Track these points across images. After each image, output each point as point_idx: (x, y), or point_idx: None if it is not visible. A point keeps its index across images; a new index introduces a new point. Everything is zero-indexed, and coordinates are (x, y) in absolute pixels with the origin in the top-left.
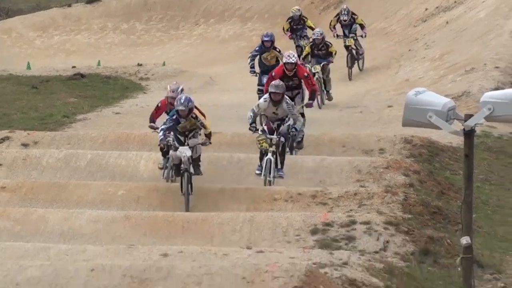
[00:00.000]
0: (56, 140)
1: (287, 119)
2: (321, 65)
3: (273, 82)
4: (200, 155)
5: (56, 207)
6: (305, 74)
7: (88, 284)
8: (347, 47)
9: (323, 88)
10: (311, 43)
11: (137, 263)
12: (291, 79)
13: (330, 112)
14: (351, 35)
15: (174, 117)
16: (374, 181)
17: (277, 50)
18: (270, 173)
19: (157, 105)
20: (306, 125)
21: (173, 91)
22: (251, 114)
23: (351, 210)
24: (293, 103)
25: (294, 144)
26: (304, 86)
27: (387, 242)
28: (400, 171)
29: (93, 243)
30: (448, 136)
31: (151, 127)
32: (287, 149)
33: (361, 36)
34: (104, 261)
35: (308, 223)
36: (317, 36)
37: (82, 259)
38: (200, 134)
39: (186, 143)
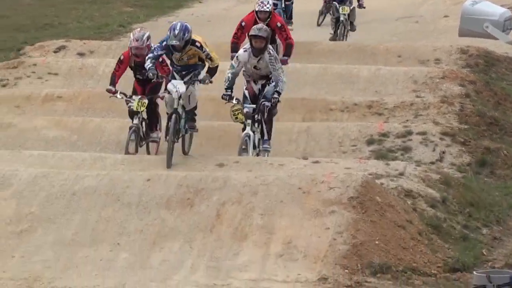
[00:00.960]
0: (112, 50)
1: (272, 78)
2: (351, 7)
3: (255, 26)
4: (196, 106)
5: (112, 116)
6: (278, 24)
7: (143, 193)
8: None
9: (348, 28)
10: None
11: (193, 173)
12: None
13: (385, 22)
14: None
15: (164, 43)
16: (430, 92)
17: None
18: (248, 151)
19: (119, 59)
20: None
21: (136, 40)
22: (230, 74)
23: (407, 120)
24: (276, 54)
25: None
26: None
27: (443, 152)
28: (456, 82)
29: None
30: (505, 46)
31: (109, 91)
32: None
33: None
34: (159, 171)
35: (364, 134)
36: None
37: (138, 169)
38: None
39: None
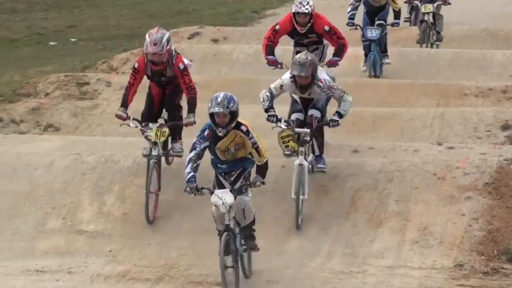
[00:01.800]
0: (246, 36)
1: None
2: (435, 5)
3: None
4: (253, 219)
5: (247, 102)
6: (326, 28)
7: (278, 180)
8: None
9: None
10: None
11: (328, 159)
12: (305, 36)
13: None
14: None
15: (206, 133)
16: None
17: None
18: (304, 186)
19: (134, 67)
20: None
21: (154, 44)
22: (267, 94)
23: None
24: (330, 81)
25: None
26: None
27: None
28: None
29: None
30: None
31: (119, 117)
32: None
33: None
34: (294, 158)
35: (499, 119)
36: None
37: (272, 155)
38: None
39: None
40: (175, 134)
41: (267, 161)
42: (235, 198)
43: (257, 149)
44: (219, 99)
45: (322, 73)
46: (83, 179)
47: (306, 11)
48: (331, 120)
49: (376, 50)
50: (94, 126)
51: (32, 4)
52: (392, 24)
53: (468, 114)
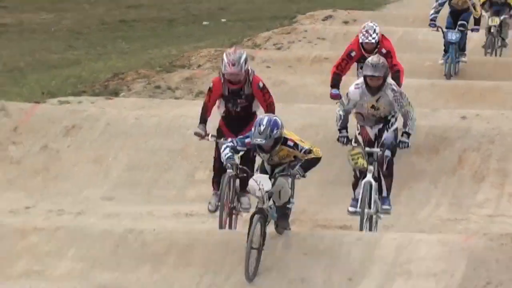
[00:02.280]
0: (372, 18)
1: (392, 120)
2: (502, 18)
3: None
4: (289, 201)
5: None
6: (384, 50)
7: None
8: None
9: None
10: None
11: (439, 124)
12: None
13: None
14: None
15: (248, 140)
16: None
17: None
18: (370, 204)
19: (209, 88)
20: None
21: (232, 64)
22: (341, 112)
23: None
24: (401, 89)
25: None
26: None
27: None
28: None
29: None
30: None
31: (198, 134)
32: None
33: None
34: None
35: None
36: None
37: None
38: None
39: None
40: (244, 183)
41: (316, 158)
42: (273, 184)
43: (309, 154)
44: (262, 128)
45: (391, 80)
46: None
47: (374, 41)
48: (400, 141)
49: (453, 52)
50: None
51: None
52: (472, 30)
53: None
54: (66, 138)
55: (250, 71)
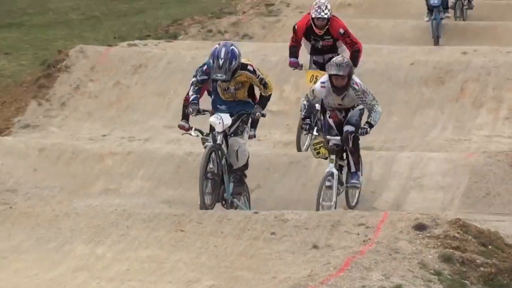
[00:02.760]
0: None
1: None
2: None
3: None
4: (246, 164)
5: (386, 17)
6: (341, 30)
7: (408, 73)
8: None
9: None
10: None
11: (444, 58)
12: (321, 39)
13: None
14: None
15: (206, 67)
16: None
17: None
18: (333, 193)
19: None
20: None
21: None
22: (305, 103)
23: None
24: (363, 86)
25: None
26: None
27: None
28: None
29: (414, 44)
30: None
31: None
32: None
33: None
34: (420, 57)
35: None
36: None
37: (405, 56)
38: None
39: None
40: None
41: (271, 94)
42: (233, 124)
43: (264, 84)
44: (221, 62)
45: (356, 78)
46: (270, 72)
47: (326, 15)
48: (361, 128)
49: (437, 14)
50: (276, 36)
51: None
52: None
53: None
54: (134, 75)
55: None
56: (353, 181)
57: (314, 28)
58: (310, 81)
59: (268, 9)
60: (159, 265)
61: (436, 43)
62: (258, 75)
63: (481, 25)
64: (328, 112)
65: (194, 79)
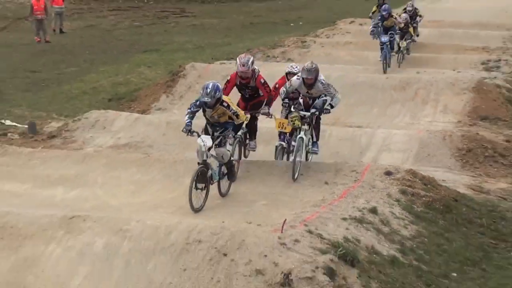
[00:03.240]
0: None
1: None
2: (406, 42)
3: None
4: (230, 160)
5: (374, 50)
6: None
7: (384, 83)
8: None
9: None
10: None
11: (405, 75)
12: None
13: None
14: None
15: (198, 103)
16: None
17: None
18: (302, 151)
19: (227, 80)
20: None
21: (243, 65)
22: (284, 89)
23: None
24: (328, 82)
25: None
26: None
27: None
28: None
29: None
30: None
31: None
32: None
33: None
34: (392, 74)
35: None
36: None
37: (382, 73)
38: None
39: (214, 139)
40: (252, 134)
41: (242, 122)
42: (213, 142)
43: (236, 116)
44: (208, 90)
45: (321, 76)
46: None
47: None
48: (325, 109)
49: (387, 49)
50: (308, 59)
51: None
52: (396, 34)
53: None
54: (223, 81)
55: (256, 70)
56: (314, 148)
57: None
58: (279, 127)
59: (302, 44)
60: (236, 193)
61: (385, 71)
62: (231, 109)
63: (427, 56)
64: (301, 97)
65: (188, 110)
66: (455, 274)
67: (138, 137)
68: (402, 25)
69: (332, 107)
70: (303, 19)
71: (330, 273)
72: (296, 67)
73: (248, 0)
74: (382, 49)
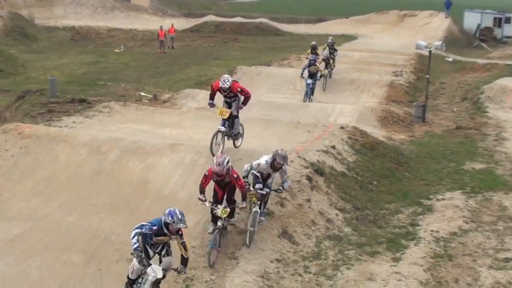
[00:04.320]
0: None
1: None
2: (327, 70)
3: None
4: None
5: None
6: (239, 89)
7: (352, 82)
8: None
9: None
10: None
11: (354, 77)
12: (226, 93)
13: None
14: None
15: (156, 228)
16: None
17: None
18: (254, 223)
19: (205, 174)
20: None
21: (219, 165)
22: (248, 168)
23: None
24: (287, 167)
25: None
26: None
27: None
28: None
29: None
30: None
31: (200, 200)
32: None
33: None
34: (352, 76)
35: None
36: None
37: (349, 78)
38: (170, 252)
39: (157, 259)
40: (231, 214)
41: (188, 257)
42: (163, 274)
43: (184, 246)
44: (180, 216)
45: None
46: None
47: (227, 86)
48: (278, 189)
49: (310, 90)
50: (299, 67)
51: None
52: (317, 79)
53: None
54: (252, 79)
55: (230, 168)
56: (261, 218)
57: (221, 91)
58: (219, 114)
59: (299, 58)
60: (259, 135)
61: (304, 101)
62: (183, 239)
63: (363, 67)
64: (258, 176)
65: (138, 231)
66: (375, 182)
67: None
68: (323, 64)
69: (284, 189)
70: (299, 46)
71: (309, 178)
72: (228, 79)
73: (272, 35)
74: (307, 90)
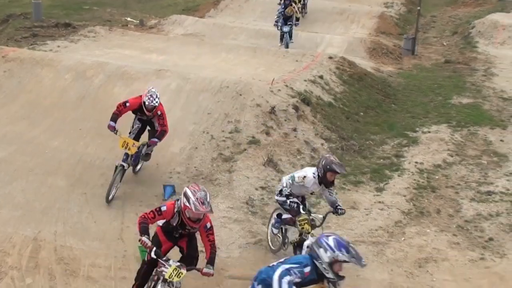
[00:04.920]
0: None
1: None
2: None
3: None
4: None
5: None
6: (159, 112)
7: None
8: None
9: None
10: None
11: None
12: (145, 115)
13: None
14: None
15: (307, 270)
16: None
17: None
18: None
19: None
20: None
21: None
22: (290, 182)
23: None
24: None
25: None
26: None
27: None
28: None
29: None
30: None
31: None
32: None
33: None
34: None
35: None
36: None
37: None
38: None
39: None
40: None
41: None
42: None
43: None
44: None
45: None
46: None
47: (156, 104)
48: (338, 208)
49: (287, 37)
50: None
51: None
52: (295, 24)
53: None
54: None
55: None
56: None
57: (144, 110)
58: (122, 146)
59: None
60: (247, 62)
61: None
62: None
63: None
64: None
65: (289, 278)
66: (362, 113)
67: (197, 30)
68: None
69: (343, 210)
70: None
71: (296, 108)
72: (157, 95)
73: None
74: (281, 38)
